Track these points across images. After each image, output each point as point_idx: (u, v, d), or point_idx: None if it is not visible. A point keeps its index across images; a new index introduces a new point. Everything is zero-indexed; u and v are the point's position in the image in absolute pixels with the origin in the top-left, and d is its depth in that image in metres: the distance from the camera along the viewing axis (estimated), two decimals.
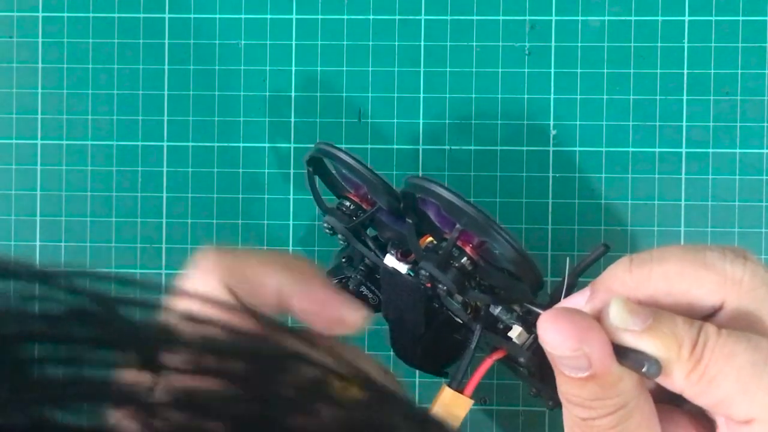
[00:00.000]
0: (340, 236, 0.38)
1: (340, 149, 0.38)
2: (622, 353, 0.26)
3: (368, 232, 0.39)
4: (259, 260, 0.28)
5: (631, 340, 0.26)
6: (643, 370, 0.26)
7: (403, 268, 0.36)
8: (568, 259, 0.32)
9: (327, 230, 0.39)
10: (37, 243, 0.48)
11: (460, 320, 0.35)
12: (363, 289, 0.40)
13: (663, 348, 0.26)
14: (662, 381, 0.27)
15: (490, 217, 0.32)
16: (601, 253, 0.32)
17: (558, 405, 0.29)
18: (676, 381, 0.26)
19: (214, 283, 0.26)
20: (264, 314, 0.23)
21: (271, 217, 0.47)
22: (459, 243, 0.33)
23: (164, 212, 0.48)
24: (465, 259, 0.33)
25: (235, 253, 0.28)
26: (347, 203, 0.39)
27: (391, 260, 0.36)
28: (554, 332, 0.27)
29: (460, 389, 0.34)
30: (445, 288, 0.33)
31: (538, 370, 0.35)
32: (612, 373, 0.27)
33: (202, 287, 0.26)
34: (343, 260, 0.40)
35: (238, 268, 0.27)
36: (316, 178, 0.40)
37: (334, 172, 0.40)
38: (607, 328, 0.27)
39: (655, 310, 0.27)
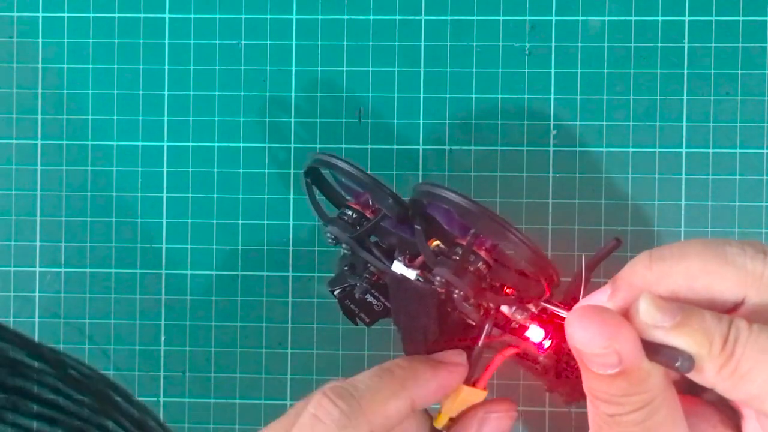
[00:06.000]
0: (344, 246, 0.38)
1: (339, 158, 0.37)
2: (652, 349, 0.27)
3: (370, 239, 0.38)
4: (384, 401, 0.33)
5: (661, 336, 0.26)
6: (677, 365, 0.26)
7: (411, 274, 0.35)
8: (584, 256, 0.32)
9: (330, 240, 0.38)
10: (37, 243, 0.48)
11: (472, 321, 0.35)
12: (368, 296, 0.39)
13: (694, 344, 0.26)
14: (693, 376, 0.27)
15: (505, 220, 0.32)
16: (613, 247, 0.32)
17: (573, 401, 0.29)
18: (707, 376, 0.26)
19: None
20: None
21: (271, 217, 0.47)
22: (473, 247, 0.33)
23: (164, 212, 0.48)
24: (480, 263, 0.33)
25: (361, 398, 0.33)
26: (349, 212, 0.38)
27: (399, 267, 0.36)
28: (584, 330, 0.27)
29: (473, 384, 0.35)
30: (461, 293, 0.33)
31: (554, 367, 0.35)
32: (642, 369, 0.27)
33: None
34: (345, 268, 0.40)
35: (377, 415, 0.32)
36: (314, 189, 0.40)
37: (331, 181, 0.40)
38: (636, 325, 0.27)
39: (683, 306, 0.27)
